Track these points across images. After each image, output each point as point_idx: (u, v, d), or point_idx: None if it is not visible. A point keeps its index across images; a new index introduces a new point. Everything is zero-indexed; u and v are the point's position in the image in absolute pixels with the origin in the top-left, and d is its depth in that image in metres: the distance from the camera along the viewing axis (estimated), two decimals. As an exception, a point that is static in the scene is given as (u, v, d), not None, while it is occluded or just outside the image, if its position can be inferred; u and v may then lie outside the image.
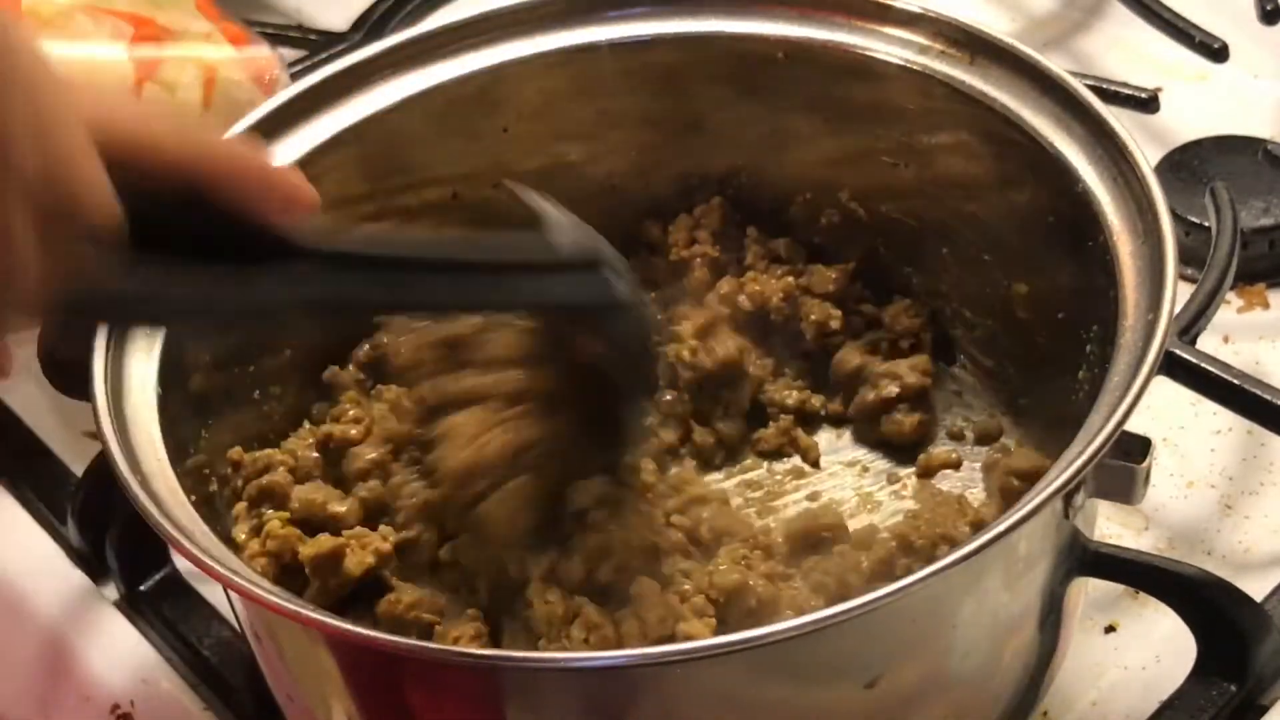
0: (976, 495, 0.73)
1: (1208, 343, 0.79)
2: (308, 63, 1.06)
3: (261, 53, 0.88)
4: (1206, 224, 0.85)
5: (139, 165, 0.52)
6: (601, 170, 0.81)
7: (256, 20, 1.15)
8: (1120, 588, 0.73)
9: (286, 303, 0.58)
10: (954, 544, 0.66)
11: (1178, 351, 0.74)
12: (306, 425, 0.74)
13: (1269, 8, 0.97)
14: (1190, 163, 0.92)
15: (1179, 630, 0.68)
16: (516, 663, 0.58)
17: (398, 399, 0.72)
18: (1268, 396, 0.74)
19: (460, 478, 0.66)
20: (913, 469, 0.76)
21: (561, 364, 0.66)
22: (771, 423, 0.78)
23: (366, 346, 0.75)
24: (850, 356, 0.78)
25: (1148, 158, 0.65)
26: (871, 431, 0.78)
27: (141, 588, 0.78)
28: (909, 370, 0.77)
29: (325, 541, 0.67)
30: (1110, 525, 0.77)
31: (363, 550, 0.67)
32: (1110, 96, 0.89)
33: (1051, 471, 0.57)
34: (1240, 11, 0.99)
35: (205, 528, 0.60)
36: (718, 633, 0.64)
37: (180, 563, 0.79)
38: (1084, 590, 0.68)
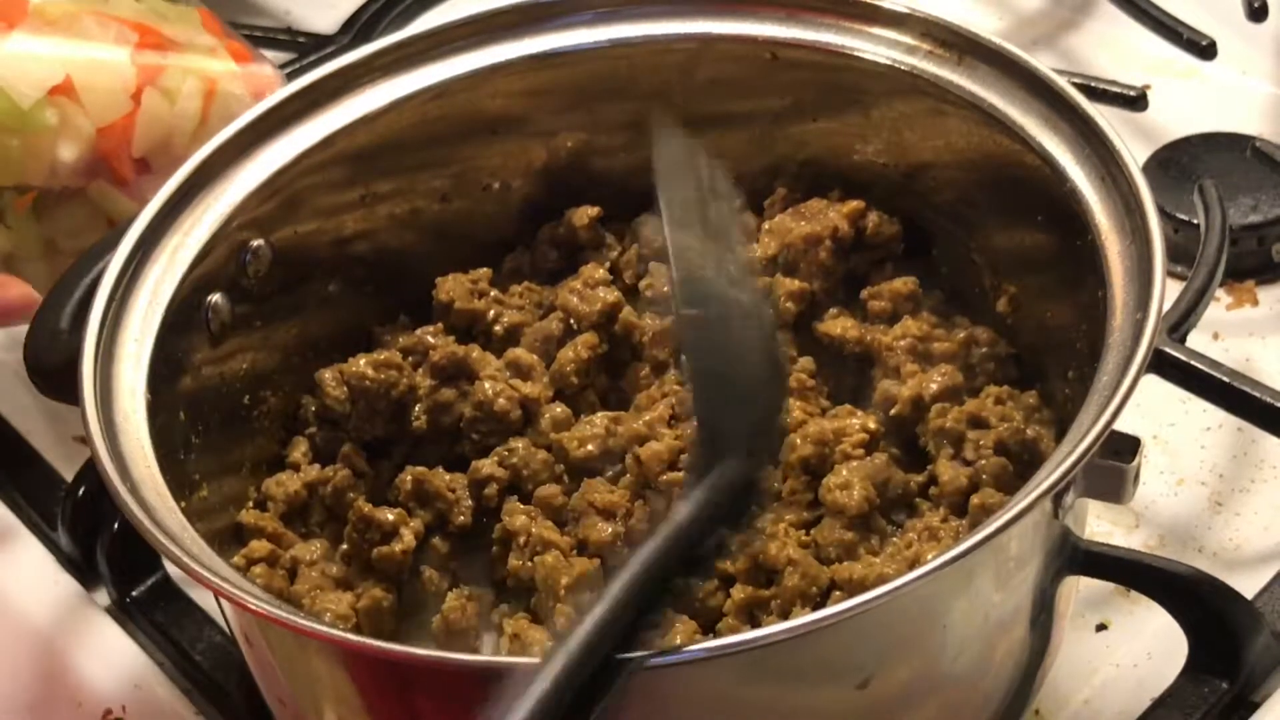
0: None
1: (1197, 340, 0.79)
2: (297, 65, 1.06)
3: (264, 70, 0.89)
4: (1195, 221, 0.85)
5: None
6: (591, 171, 0.81)
7: (245, 23, 1.15)
8: (1111, 586, 0.73)
9: None
10: None
11: (1167, 349, 0.74)
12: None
13: (1256, 5, 0.98)
14: (1179, 160, 0.92)
15: (1170, 628, 0.68)
16: (510, 667, 0.58)
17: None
18: (1257, 394, 0.74)
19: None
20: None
21: None
22: None
23: None
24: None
25: (1136, 155, 0.65)
26: None
27: (133, 594, 0.78)
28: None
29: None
30: (1101, 523, 0.78)
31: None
32: (1098, 94, 0.89)
33: (1042, 471, 0.57)
34: (1228, 8, 0.99)
35: (195, 534, 0.60)
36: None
37: (171, 568, 0.79)
38: (1075, 589, 0.69)
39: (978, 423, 0.70)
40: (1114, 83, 0.91)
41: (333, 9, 1.14)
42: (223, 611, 0.70)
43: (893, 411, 0.72)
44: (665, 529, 0.55)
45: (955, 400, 0.71)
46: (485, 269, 0.79)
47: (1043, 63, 0.69)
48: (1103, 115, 0.67)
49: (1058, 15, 1.09)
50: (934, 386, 0.71)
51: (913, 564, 0.65)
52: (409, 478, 0.72)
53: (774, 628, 0.53)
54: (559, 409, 0.75)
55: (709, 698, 0.57)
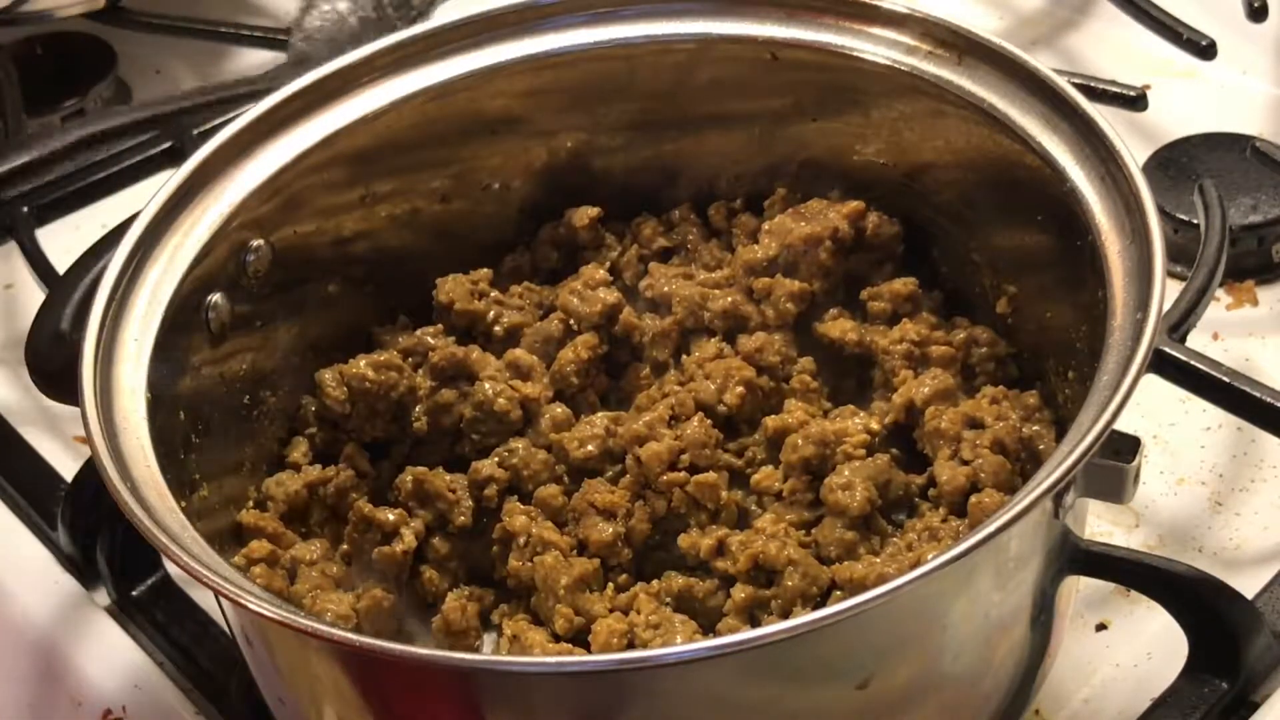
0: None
1: (1197, 340, 0.79)
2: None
3: None
4: (1195, 221, 0.85)
5: None
6: (591, 171, 0.81)
7: (245, 23, 1.16)
8: (1111, 585, 0.74)
9: None
10: None
11: (1167, 349, 0.74)
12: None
13: (1256, 5, 0.98)
14: (1179, 160, 0.92)
15: (1170, 628, 0.68)
16: (507, 667, 0.58)
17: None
18: (1257, 393, 0.74)
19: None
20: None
21: None
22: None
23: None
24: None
25: (1136, 155, 0.65)
26: None
27: (133, 593, 0.78)
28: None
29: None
30: (1101, 523, 0.78)
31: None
32: (1098, 94, 0.89)
33: (1042, 471, 0.57)
34: (1228, 8, 0.99)
35: (195, 534, 0.60)
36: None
37: (171, 568, 0.79)
38: (1075, 588, 0.69)
39: (974, 423, 0.70)
40: (1114, 83, 0.91)
41: (333, 9, 1.14)
42: (223, 611, 0.70)
43: (888, 419, 0.72)
44: None
45: (949, 403, 0.71)
46: (485, 269, 0.79)
47: (1043, 63, 0.69)
48: (1103, 115, 0.67)
49: (1058, 15, 1.09)
50: (925, 390, 0.72)
51: (913, 564, 0.65)
52: (409, 478, 0.73)
53: (774, 627, 0.53)
54: (559, 409, 0.75)
55: (709, 698, 0.57)
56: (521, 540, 0.70)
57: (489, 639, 0.72)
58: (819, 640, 0.55)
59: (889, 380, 0.74)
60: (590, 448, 0.73)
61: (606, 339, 0.77)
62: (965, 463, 0.69)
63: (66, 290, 0.72)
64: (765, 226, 0.78)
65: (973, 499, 0.67)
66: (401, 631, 0.72)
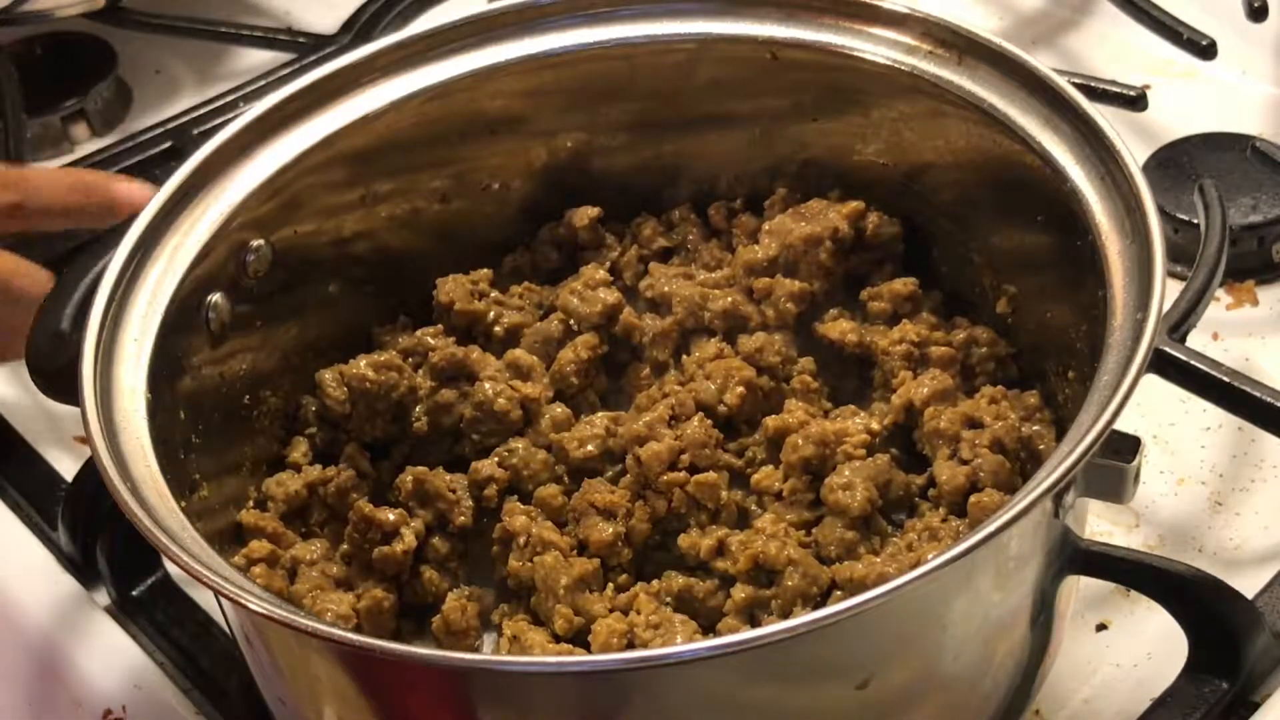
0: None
1: (1197, 340, 0.79)
2: (297, 65, 1.07)
3: None
4: (1195, 221, 0.85)
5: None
6: (591, 171, 0.81)
7: (245, 23, 1.16)
8: (1111, 586, 0.74)
9: None
10: None
11: (1167, 349, 0.74)
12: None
13: (1256, 5, 0.98)
14: (1179, 160, 0.92)
15: (1170, 628, 0.68)
16: (507, 666, 0.58)
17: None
18: (1257, 393, 0.74)
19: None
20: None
21: None
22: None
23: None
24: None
25: (1136, 155, 0.65)
26: None
27: (133, 593, 0.78)
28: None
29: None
30: (1101, 523, 0.78)
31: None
32: (1098, 94, 0.89)
33: (1042, 471, 0.57)
34: (1228, 8, 0.99)
35: (195, 533, 0.60)
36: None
37: (171, 567, 0.79)
38: (1075, 588, 0.69)
39: (974, 423, 0.70)
40: (1114, 83, 0.91)
41: (333, 9, 1.15)
42: (223, 611, 0.70)
43: (887, 420, 0.72)
44: None
45: (948, 403, 0.71)
46: (485, 270, 0.79)
47: (1043, 63, 0.69)
48: (1103, 115, 0.67)
49: (1058, 15, 1.09)
50: (924, 391, 0.72)
51: (913, 564, 0.65)
52: (409, 478, 0.73)
53: (774, 627, 0.53)
54: (559, 409, 0.75)
55: (709, 698, 0.57)
56: (521, 540, 0.70)
57: (489, 639, 0.72)
58: (819, 640, 0.55)
59: (889, 380, 0.74)
60: (590, 448, 0.73)
61: (606, 339, 0.77)
62: (965, 462, 0.69)
63: (66, 290, 0.72)
64: (765, 226, 0.78)
65: (973, 499, 0.67)
66: (401, 631, 0.72)
